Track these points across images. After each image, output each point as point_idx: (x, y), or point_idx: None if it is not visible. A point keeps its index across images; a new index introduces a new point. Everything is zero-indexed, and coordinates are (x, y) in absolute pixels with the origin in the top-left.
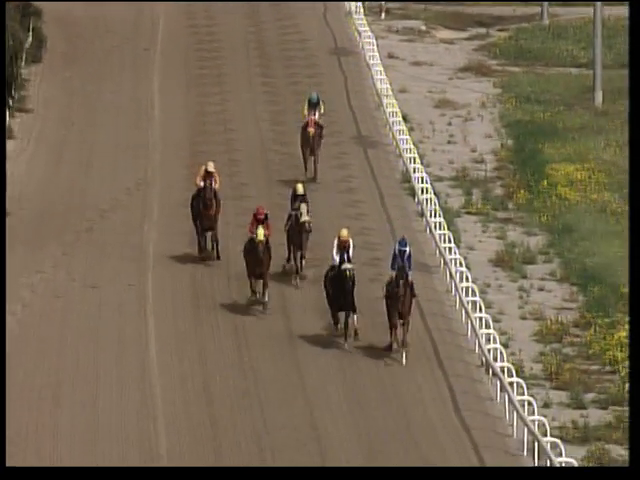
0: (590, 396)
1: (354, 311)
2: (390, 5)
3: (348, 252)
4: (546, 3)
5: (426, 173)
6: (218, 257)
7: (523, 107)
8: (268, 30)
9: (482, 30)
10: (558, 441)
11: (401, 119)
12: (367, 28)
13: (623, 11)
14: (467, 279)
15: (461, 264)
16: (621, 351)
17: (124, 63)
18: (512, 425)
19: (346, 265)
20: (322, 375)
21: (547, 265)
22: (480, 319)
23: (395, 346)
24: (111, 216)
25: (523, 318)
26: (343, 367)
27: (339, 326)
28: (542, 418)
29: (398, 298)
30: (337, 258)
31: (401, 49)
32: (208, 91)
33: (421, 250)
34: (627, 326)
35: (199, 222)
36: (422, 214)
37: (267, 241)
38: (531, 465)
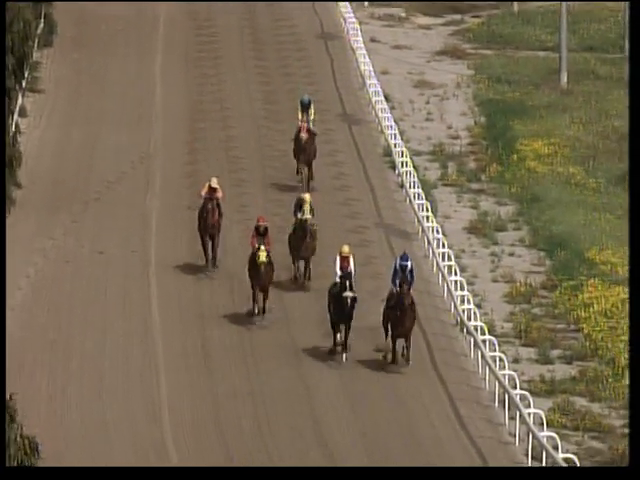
0: (556, 352)
1: (349, 328)
2: None
3: (350, 276)
4: None
5: (406, 148)
6: (214, 263)
7: (495, 87)
8: (261, 17)
9: (457, 16)
10: (527, 394)
11: (383, 98)
12: (352, 15)
13: None
14: (443, 245)
15: (438, 231)
16: (585, 311)
17: (129, 46)
18: (485, 379)
19: (347, 293)
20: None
21: (517, 232)
22: (455, 282)
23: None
24: (117, 187)
25: (495, 281)
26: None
27: (339, 335)
28: (512, 373)
29: (400, 314)
30: (339, 272)
31: (383, 34)
32: (206, 72)
33: (401, 218)
34: (627, 327)
35: (203, 230)
36: (402, 185)
37: (268, 254)
38: (502, 415)
